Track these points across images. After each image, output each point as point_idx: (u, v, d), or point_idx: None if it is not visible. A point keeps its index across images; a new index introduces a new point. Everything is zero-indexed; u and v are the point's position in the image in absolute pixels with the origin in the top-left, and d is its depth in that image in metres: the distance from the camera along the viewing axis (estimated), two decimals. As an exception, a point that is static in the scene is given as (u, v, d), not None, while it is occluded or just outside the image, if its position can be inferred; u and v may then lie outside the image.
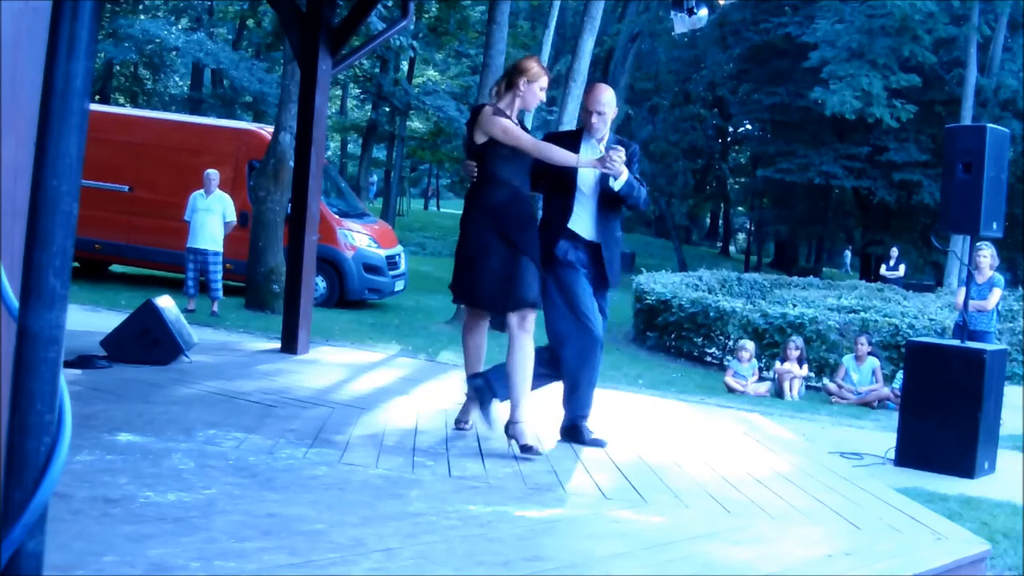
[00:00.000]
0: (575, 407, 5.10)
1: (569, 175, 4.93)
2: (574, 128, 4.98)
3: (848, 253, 39.81)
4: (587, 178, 4.97)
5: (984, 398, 6.53)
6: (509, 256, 4.68)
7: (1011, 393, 8.55)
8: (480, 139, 4.78)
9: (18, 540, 1.33)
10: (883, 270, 21.46)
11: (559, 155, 4.76)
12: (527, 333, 4.72)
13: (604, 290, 5.09)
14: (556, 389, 5.13)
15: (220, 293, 12.10)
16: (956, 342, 7.16)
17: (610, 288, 5.11)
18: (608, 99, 5.00)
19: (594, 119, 4.96)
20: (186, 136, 14.69)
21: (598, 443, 5.00)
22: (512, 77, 4.85)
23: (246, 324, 11.36)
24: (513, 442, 4.70)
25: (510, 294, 4.69)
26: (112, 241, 14.37)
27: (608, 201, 4.99)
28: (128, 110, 19.90)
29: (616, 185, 4.86)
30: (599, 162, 4.76)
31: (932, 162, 26.33)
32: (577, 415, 5.10)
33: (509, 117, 4.78)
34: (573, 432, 5.07)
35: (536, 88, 4.83)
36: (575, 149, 4.92)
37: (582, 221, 4.99)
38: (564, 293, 4.94)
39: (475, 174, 4.80)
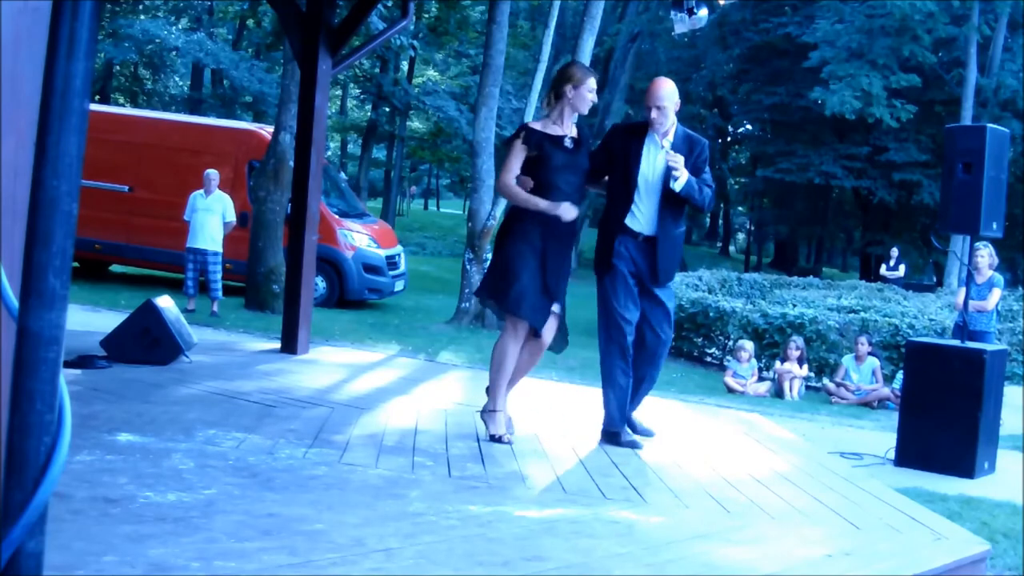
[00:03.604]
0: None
1: (631, 172, 5.04)
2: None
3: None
4: (648, 174, 5.05)
5: (984, 398, 6.52)
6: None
7: (1011, 393, 8.54)
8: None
9: (18, 540, 1.33)
10: (883, 270, 21.40)
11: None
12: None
13: (656, 286, 5.12)
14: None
15: (220, 293, 12.10)
16: (956, 342, 7.15)
17: (661, 285, 5.12)
18: (667, 93, 5.06)
19: (653, 114, 5.04)
20: (186, 136, 14.68)
21: (633, 444, 5.08)
22: (558, 87, 4.98)
23: (246, 324, 11.35)
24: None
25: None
26: (112, 241, 14.37)
27: (670, 198, 5.04)
28: (128, 110, 19.90)
29: (676, 186, 4.96)
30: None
31: (932, 162, 26.29)
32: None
33: (550, 131, 4.97)
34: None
35: (584, 91, 4.96)
36: (640, 144, 5.06)
37: (641, 216, 5.06)
38: (602, 304, 5.10)
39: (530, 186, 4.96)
